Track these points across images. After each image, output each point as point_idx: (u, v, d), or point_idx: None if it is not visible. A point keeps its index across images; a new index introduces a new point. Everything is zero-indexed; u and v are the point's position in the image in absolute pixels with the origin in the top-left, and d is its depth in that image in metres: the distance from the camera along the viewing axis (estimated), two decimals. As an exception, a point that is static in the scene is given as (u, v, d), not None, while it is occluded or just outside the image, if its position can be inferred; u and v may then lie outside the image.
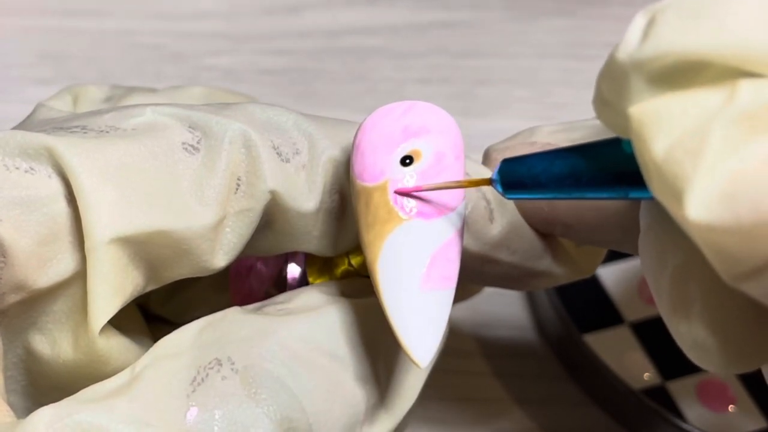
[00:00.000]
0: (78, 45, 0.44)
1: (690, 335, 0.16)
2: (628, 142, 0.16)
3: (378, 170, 0.19)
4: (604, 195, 0.17)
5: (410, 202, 0.18)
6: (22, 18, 0.45)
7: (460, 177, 0.19)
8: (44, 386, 0.19)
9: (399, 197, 0.18)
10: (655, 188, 0.14)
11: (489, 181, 0.18)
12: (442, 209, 0.19)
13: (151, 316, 0.24)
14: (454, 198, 0.19)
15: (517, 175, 0.18)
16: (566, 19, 0.46)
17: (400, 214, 0.18)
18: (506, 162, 0.18)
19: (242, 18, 0.45)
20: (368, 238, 0.19)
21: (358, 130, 0.20)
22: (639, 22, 0.15)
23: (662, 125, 0.14)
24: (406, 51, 0.44)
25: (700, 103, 0.14)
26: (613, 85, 0.15)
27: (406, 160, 0.19)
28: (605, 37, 0.45)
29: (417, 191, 0.19)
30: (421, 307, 0.18)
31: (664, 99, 0.15)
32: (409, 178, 0.19)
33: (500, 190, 0.18)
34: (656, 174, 0.14)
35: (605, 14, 0.46)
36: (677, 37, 0.14)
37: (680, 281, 0.16)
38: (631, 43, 0.15)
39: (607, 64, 0.15)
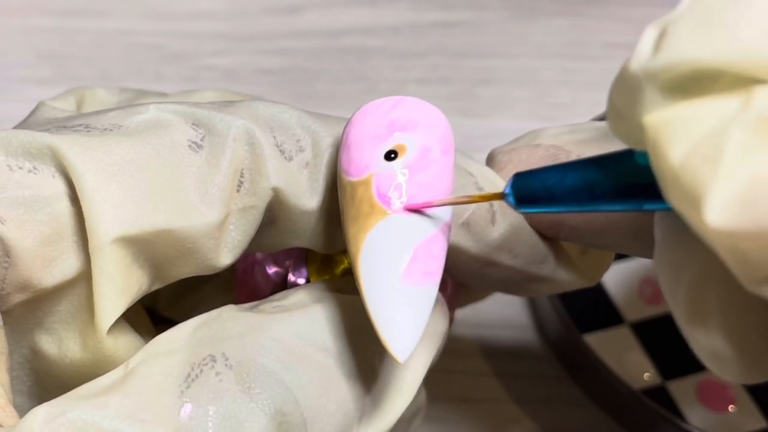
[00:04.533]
0: (78, 45, 0.44)
1: (708, 346, 0.16)
2: (641, 154, 0.16)
3: (363, 165, 0.19)
4: (618, 207, 0.17)
5: (395, 197, 0.18)
6: (22, 18, 0.45)
7: (448, 172, 0.19)
8: (50, 386, 0.19)
9: (382, 191, 0.18)
10: (672, 197, 0.14)
11: (501, 196, 0.18)
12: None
13: (159, 318, 0.24)
14: (440, 195, 0.19)
15: (530, 189, 0.18)
16: (566, 19, 0.46)
17: (383, 207, 0.18)
18: (518, 176, 0.18)
19: (242, 18, 0.45)
20: (351, 231, 0.18)
21: (346, 125, 0.20)
22: (650, 34, 0.15)
23: (678, 133, 0.14)
24: (406, 51, 0.44)
25: (716, 109, 0.14)
26: (627, 97, 0.15)
27: (391, 155, 0.19)
28: (605, 37, 0.45)
29: (427, 206, 0.18)
30: (401, 301, 0.18)
31: (680, 107, 0.15)
32: (393, 172, 0.19)
33: (513, 203, 0.18)
34: (673, 182, 0.14)
35: (605, 14, 0.46)
36: (690, 47, 0.14)
37: (697, 293, 0.16)
38: (643, 54, 0.15)
39: (620, 77, 0.15)
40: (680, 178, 0.14)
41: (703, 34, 0.14)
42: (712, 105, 0.14)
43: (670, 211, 0.16)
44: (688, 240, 0.16)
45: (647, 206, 0.16)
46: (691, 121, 0.14)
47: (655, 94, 0.15)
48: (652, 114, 0.15)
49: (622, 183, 0.16)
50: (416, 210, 0.18)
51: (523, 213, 0.21)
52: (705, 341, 0.16)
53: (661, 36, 0.15)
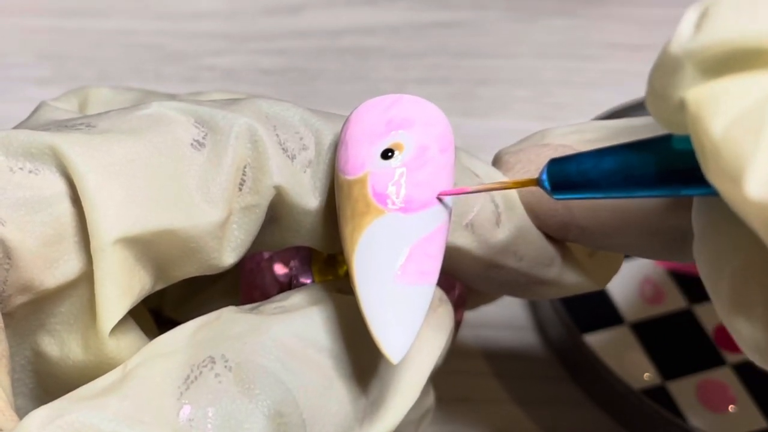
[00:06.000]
0: (78, 45, 0.44)
1: (753, 338, 0.16)
2: (679, 139, 0.16)
3: (359, 163, 0.19)
4: (655, 192, 0.17)
5: (392, 196, 0.18)
6: (22, 18, 0.45)
7: (447, 170, 0.19)
8: (52, 388, 0.19)
9: (378, 190, 0.18)
10: (712, 172, 0.14)
11: (536, 182, 0.18)
12: (425, 204, 0.18)
13: (165, 320, 0.24)
14: (439, 193, 0.19)
15: (566, 174, 0.18)
16: (566, 19, 0.46)
17: (379, 206, 0.18)
18: (554, 161, 0.18)
19: (242, 18, 0.45)
20: (347, 231, 0.18)
21: (344, 122, 0.20)
22: (691, 15, 0.15)
23: (720, 105, 0.14)
24: (406, 51, 0.44)
25: (759, 84, 0.14)
26: (667, 78, 0.15)
27: (388, 153, 0.19)
28: (605, 37, 0.45)
29: (462, 193, 0.18)
30: (395, 301, 0.17)
31: (722, 81, 0.14)
32: (389, 170, 0.18)
33: (548, 188, 0.18)
34: (713, 155, 0.14)
35: (605, 14, 0.46)
36: (733, 25, 0.14)
37: (741, 283, 0.16)
38: (684, 35, 0.15)
39: (660, 59, 0.15)
40: (721, 151, 0.14)
41: (746, 13, 0.14)
42: (755, 79, 0.14)
43: (709, 198, 0.16)
44: (731, 229, 0.16)
45: (685, 191, 0.16)
46: (734, 94, 0.14)
47: (697, 72, 0.15)
48: (693, 89, 0.15)
49: (661, 167, 0.16)
50: (414, 209, 0.18)
51: (531, 212, 0.21)
52: (749, 333, 0.16)
53: (702, 16, 0.15)
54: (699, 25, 0.15)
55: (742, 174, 0.13)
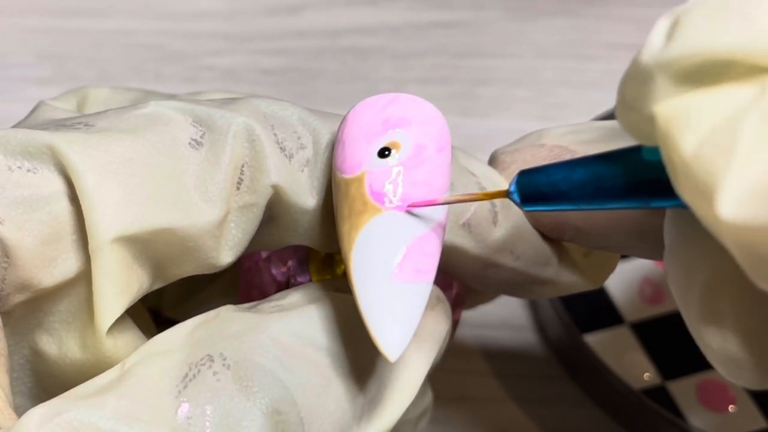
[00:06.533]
0: (78, 45, 0.44)
1: (722, 350, 0.16)
2: (649, 150, 0.16)
3: (356, 162, 0.19)
4: (626, 204, 0.16)
5: (389, 195, 0.18)
6: (22, 18, 0.45)
7: (443, 170, 0.19)
8: (51, 387, 0.19)
9: (375, 189, 0.18)
10: (683, 189, 0.14)
11: (506, 194, 0.18)
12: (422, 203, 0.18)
13: (163, 319, 0.24)
14: (435, 193, 0.19)
15: (536, 186, 0.17)
16: (566, 19, 0.46)
17: (376, 205, 0.18)
18: (523, 173, 0.18)
19: (242, 18, 0.45)
20: (344, 229, 0.18)
21: (342, 121, 0.20)
22: (662, 24, 0.15)
23: (691, 122, 0.14)
24: (406, 51, 0.44)
25: (730, 98, 0.14)
26: (637, 89, 0.15)
27: (385, 152, 0.19)
28: (605, 37, 0.45)
29: (430, 204, 0.18)
30: (392, 299, 0.17)
31: (692, 96, 0.14)
32: (386, 169, 0.18)
33: (518, 200, 0.18)
34: (684, 173, 0.14)
35: (605, 14, 0.46)
36: (704, 36, 0.14)
37: (710, 295, 0.16)
38: (655, 45, 0.15)
39: (631, 68, 0.15)
40: (692, 169, 0.14)
41: (718, 23, 0.14)
42: (726, 94, 0.14)
43: (679, 209, 0.16)
44: (701, 240, 0.16)
45: (655, 203, 0.16)
46: (705, 109, 0.14)
47: (667, 84, 0.14)
48: (664, 103, 0.15)
49: (630, 179, 0.16)
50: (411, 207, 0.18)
51: (527, 212, 0.21)
52: (718, 345, 0.16)
53: (674, 26, 0.15)
54: (670, 35, 0.14)
55: (714, 193, 0.13)
